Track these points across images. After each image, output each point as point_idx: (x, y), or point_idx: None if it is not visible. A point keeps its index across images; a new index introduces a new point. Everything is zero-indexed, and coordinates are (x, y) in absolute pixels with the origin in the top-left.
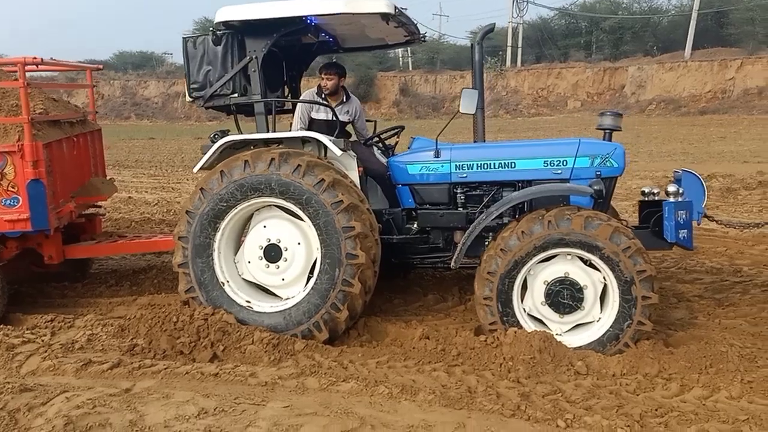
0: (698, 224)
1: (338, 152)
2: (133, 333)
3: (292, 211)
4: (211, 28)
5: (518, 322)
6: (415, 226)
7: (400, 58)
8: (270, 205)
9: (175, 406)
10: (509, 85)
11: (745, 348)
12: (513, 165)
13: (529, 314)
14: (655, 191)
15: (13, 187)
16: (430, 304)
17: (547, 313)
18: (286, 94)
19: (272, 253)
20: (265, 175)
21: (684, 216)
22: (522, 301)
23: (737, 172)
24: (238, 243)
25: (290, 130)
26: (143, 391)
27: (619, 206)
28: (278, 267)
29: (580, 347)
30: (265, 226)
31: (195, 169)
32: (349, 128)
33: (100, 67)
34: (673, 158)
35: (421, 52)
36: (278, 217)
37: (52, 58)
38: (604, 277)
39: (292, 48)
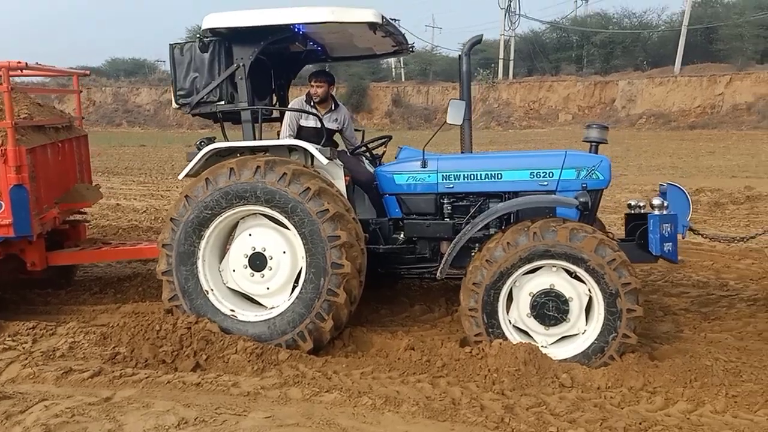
0: (683, 237)
1: (324, 161)
2: (115, 341)
3: (278, 220)
4: (198, 35)
5: (503, 333)
6: (402, 236)
7: (393, 69)
8: (255, 214)
9: (155, 416)
10: (501, 97)
11: (730, 362)
12: (499, 176)
13: (514, 326)
14: (641, 204)
15: None
16: (416, 314)
17: (532, 325)
18: (274, 102)
19: (257, 262)
20: (251, 183)
21: (669, 229)
22: (507, 312)
23: (725, 187)
24: (223, 251)
25: (278, 138)
26: (123, 401)
27: (608, 219)
28: (263, 276)
29: (565, 359)
30: (250, 235)
31: (180, 177)
32: (338, 137)
33: (87, 72)
34: (662, 172)
35: (414, 63)
36: (264, 226)
37: (37, 63)
38: (589, 290)
39: (280, 56)
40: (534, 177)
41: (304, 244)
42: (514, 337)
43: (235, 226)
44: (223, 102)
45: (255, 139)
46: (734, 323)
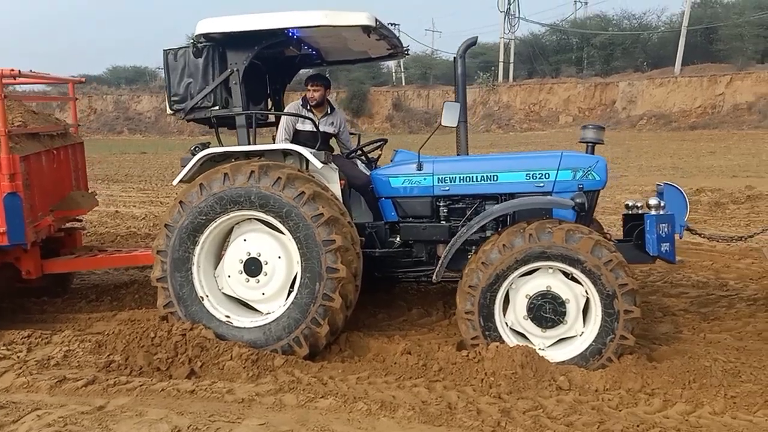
0: (680, 237)
1: (319, 165)
2: (110, 349)
3: (273, 225)
4: (191, 40)
5: (500, 336)
6: (398, 239)
7: (393, 73)
8: (250, 219)
9: (148, 425)
10: (501, 100)
11: (729, 363)
12: (495, 178)
13: (511, 328)
14: (639, 204)
15: None
16: (414, 318)
17: (529, 327)
18: (269, 107)
19: (252, 267)
20: (245, 188)
21: (666, 229)
22: (504, 315)
23: (726, 187)
24: (218, 257)
25: (274, 143)
26: (116, 409)
27: (608, 220)
28: (258, 281)
29: (563, 362)
30: (245, 240)
31: (174, 182)
32: (333, 141)
33: (82, 80)
34: (663, 173)
35: (414, 68)
36: (259, 231)
37: (31, 71)
38: (586, 291)
39: (275, 61)
40: (530, 178)
41: (299, 249)
42: (511, 340)
43: (229, 231)
44: (217, 107)
45: (250, 143)
46: (733, 323)
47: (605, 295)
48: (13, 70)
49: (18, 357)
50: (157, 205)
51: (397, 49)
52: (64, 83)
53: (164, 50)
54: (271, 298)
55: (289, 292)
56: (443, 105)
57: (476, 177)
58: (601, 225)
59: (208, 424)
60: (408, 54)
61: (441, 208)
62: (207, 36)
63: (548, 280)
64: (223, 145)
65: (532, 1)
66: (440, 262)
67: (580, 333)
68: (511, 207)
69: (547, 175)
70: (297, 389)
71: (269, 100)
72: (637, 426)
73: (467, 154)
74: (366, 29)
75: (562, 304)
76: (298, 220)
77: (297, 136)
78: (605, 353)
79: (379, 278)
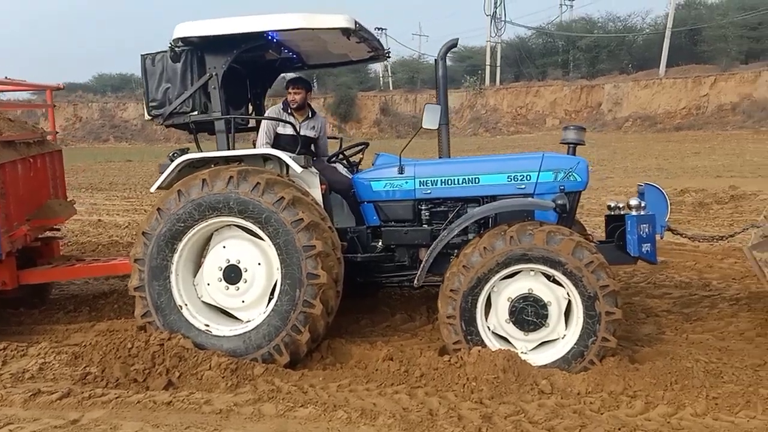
0: (661, 238)
1: (299, 169)
2: (86, 361)
3: (253, 231)
4: (169, 45)
5: (482, 340)
6: (380, 243)
7: (381, 78)
8: (230, 225)
9: None
10: (488, 103)
11: (710, 363)
12: (477, 180)
13: (493, 332)
14: (621, 205)
15: None
16: (397, 323)
17: (511, 330)
18: (250, 111)
19: (232, 275)
20: (224, 194)
21: (647, 229)
22: (486, 319)
23: (710, 187)
24: (198, 264)
25: (255, 147)
26: (91, 423)
27: (594, 222)
28: (238, 288)
29: (545, 365)
30: (224, 247)
31: (152, 189)
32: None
33: (61, 86)
34: (648, 174)
35: (402, 72)
36: (238, 237)
37: (6, 77)
38: (568, 293)
39: (255, 65)
40: (511, 180)
41: (278, 255)
42: (494, 344)
43: (209, 238)
44: (196, 112)
45: (229, 149)
46: (716, 323)
47: (587, 297)
48: None
49: None
50: (141, 213)
51: (378, 52)
52: (42, 90)
53: (142, 55)
54: (251, 306)
55: (270, 300)
56: (424, 107)
57: (458, 180)
58: (583, 226)
59: None
60: (389, 57)
61: (423, 211)
62: (185, 40)
63: (530, 282)
64: (202, 151)
65: (518, 4)
66: (422, 266)
67: (563, 336)
68: (491, 209)
69: (528, 177)
70: (276, 398)
71: (250, 104)
72: (619, 429)
73: (449, 157)
74: (345, 32)
75: (544, 306)
76: (278, 225)
77: (278, 141)
78: (587, 356)
79: (362, 283)
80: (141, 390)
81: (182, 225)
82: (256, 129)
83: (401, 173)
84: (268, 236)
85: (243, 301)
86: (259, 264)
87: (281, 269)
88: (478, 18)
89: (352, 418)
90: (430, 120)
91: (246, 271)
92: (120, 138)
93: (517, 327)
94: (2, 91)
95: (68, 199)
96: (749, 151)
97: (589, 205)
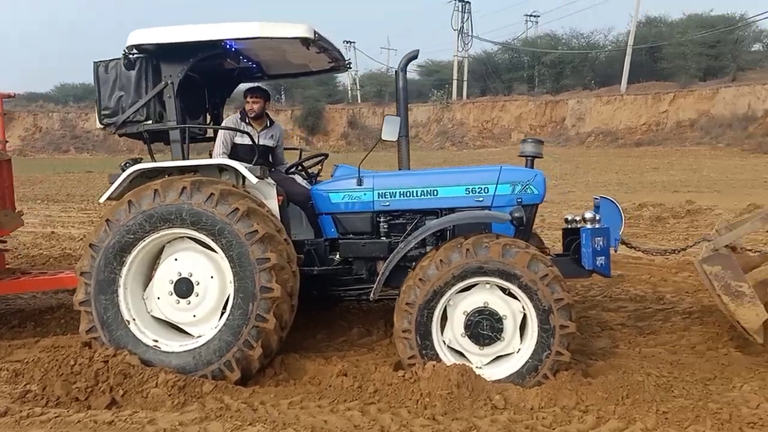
0: (615, 251)
1: (254, 180)
2: (27, 378)
3: (206, 243)
4: (123, 52)
5: (438, 355)
6: (338, 256)
7: (349, 91)
8: (182, 237)
9: None
10: (455, 117)
11: (662, 377)
12: (435, 193)
13: (449, 347)
14: (578, 218)
15: None
16: (354, 338)
17: (467, 345)
18: (208, 121)
19: (183, 288)
20: (176, 205)
21: (601, 242)
22: (442, 333)
23: (667, 202)
24: (148, 278)
25: (211, 157)
26: None
27: (555, 235)
28: (189, 302)
29: (500, 380)
30: (176, 259)
31: (101, 200)
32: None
33: (12, 94)
34: (609, 188)
35: (370, 85)
36: (191, 250)
37: None
38: (523, 307)
39: (213, 74)
40: (470, 193)
41: (232, 268)
42: (449, 359)
43: (160, 251)
44: (150, 121)
45: (184, 159)
46: (668, 337)
47: (541, 310)
48: None
49: None
50: None
51: (338, 63)
52: None
53: (95, 62)
54: (203, 320)
55: (222, 314)
56: (384, 119)
57: (416, 192)
58: (542, 239)
59: None
60: (350, 67)
61: (381, 223)
62: (139, 47)
63: (485, 296)
64: (156, 161)
65: (485, 19)
66: (378, 278)
67: (518, 350)
68: (448, 222)
69: (486, 190)
70: (224, 417)
71: (208, 114)
72: None
73: (408, 169)
74: (305, 41)
75: (500, 320)
76: (232, 237)
77: (235, 151)
78: (541, 370)
79: (320, 297)
80: (82, 409)
81: (132, 237)
82: (214, 139)
83: (360, 185)
84: (221, 248)
85: (194, 316)
86: (212, 277)
87: (234, 282)
88: (446, 33)
89: None
90: (390, 132)
91: (198, 284)
92: (81, 149)
93: (472, 341)
94: None
95: (17, 210)
96: (706, 166)
97: (551, 219)
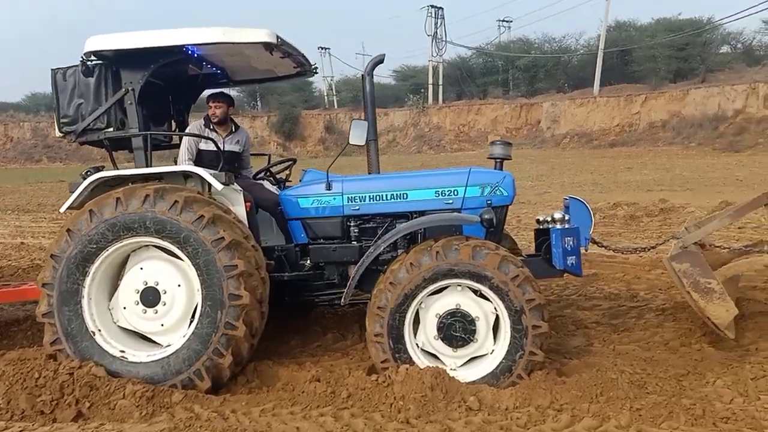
0: (586, 250)
1: (219, 186)
2: None
3: (172, 251)
4: (81, 59)
5: (411, 358)
6: (309, 261)
7: (325, 96)
8: (147, 246)
9: None
10: (432, 121)
11: (635, 374)
12: (405, 196)
13: (422, 350)
14: (549, 219)
15: None
16: (328, 343)
17: (440, 347)
18: (173, 128)
19: (150, 297)
20: (139, 213)
21: (571, 242)
22: (415, 336)
23: (641, 200)
24: (113, 288)
25: (176, 164)
26: None
27: (530, 236)
28: (156, 312)
29: (474, 381)
30: (141, 269)
31: (62, 209)
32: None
33: None
34: (584, 189)
35: (346, 90)
36: (156, 258)
37: None
38: (495, 308)
39: (177, 80)
40: (439, 196)
41: (199, 276)
42: (423, 362)
43: (125, 260)
44: (111, 129)
45: (147, 166)
46: (642, 334)
47: (513, 311)
48: None
49: None
50: None
51: (304, 68)
52: None
53: (52, 69)
54: (171, 330)
55: (191, 323)
56: (351, 123)
57: (386, 195)
58: (514, 240)
59: None
60: (316, 72)
61: (351, 228)
62: (97, 54)
63: (457, 298)
64: (118, 169)
65: (459, 25)
66: (349, 283)
67: (491, 351)
68: (417, 225)
69: (455, 192)
70: (194, 426)
71: (173, 120)
72: None
73: (378, 173)
74: (267, 46)
75: (472, 322)
76: (198, 245)
77: (201, 157)
78: (515, 370)
79: (293, 303)
80: (48, 422)
81: (94, 246)
82: (179, 146)
83: (329, 189)
84: (187, 256)
85: (162, 325)
86: (179, 285)
87: (202, 290)
88: (421, 38)
89: None
90: (357, 136)
91: (165, 293)
92: (54, 158)
93: (445, 343)
94: None
95: None
96: (679, 165)
97: (527, 220)
